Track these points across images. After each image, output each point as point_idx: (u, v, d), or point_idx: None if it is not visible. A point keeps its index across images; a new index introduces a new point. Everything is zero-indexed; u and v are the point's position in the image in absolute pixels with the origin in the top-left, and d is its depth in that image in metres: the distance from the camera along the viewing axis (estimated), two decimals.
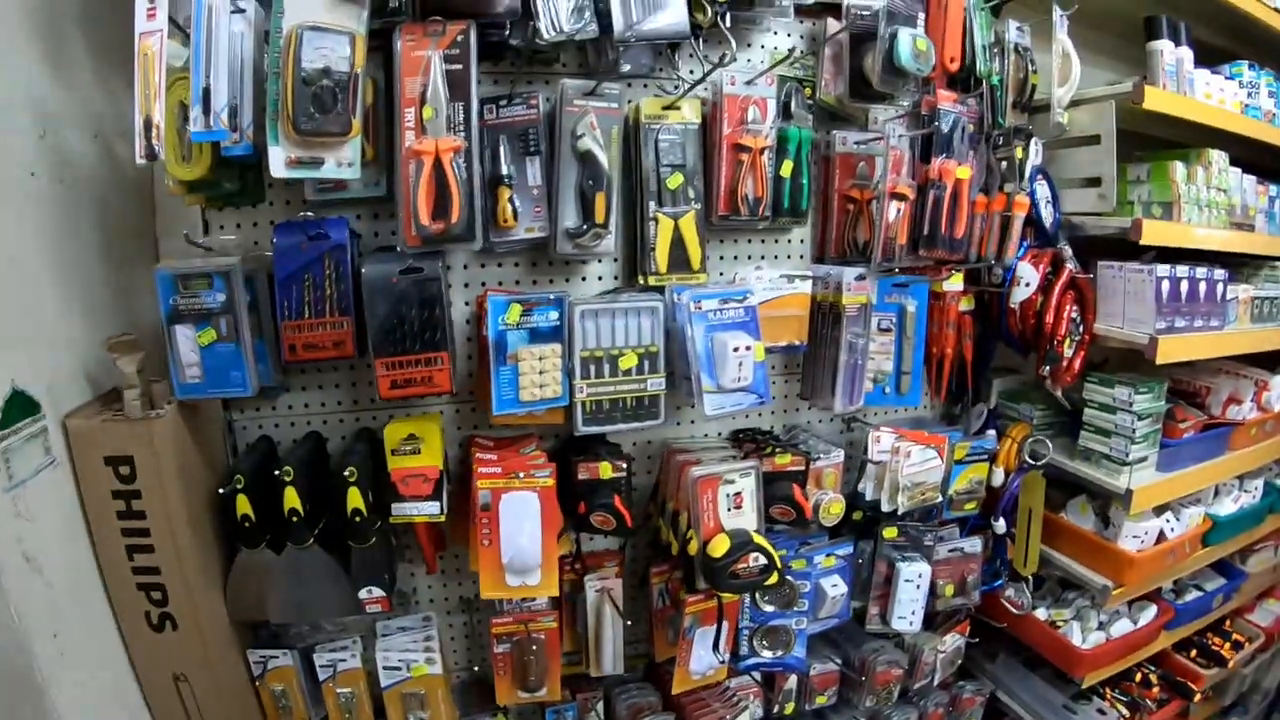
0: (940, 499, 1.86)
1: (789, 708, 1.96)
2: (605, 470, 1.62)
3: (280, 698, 1.68)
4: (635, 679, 1.93)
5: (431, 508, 1.52)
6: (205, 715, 1.62)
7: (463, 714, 1.80)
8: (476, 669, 1.88)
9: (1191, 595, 2.34)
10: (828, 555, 1.85)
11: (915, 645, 2.02)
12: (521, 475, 1.52)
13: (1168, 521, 2.06)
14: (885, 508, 1.80)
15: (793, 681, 1.94)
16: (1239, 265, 2.23)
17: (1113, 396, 1.94)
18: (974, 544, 1.96)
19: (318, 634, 1.71)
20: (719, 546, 1.56)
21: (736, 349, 1.52)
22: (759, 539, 1.59)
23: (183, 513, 1.44)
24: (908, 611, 1.87)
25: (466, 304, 1.64)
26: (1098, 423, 1.98)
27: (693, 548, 1.60)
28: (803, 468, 1.73)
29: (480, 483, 1.51)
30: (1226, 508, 2.26)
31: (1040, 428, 2.09)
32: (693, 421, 1.82)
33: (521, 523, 1.52)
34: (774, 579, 1.61)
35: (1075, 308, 1.91)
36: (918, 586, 1.86)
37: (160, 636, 1.51)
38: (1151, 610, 2.18)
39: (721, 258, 1.77)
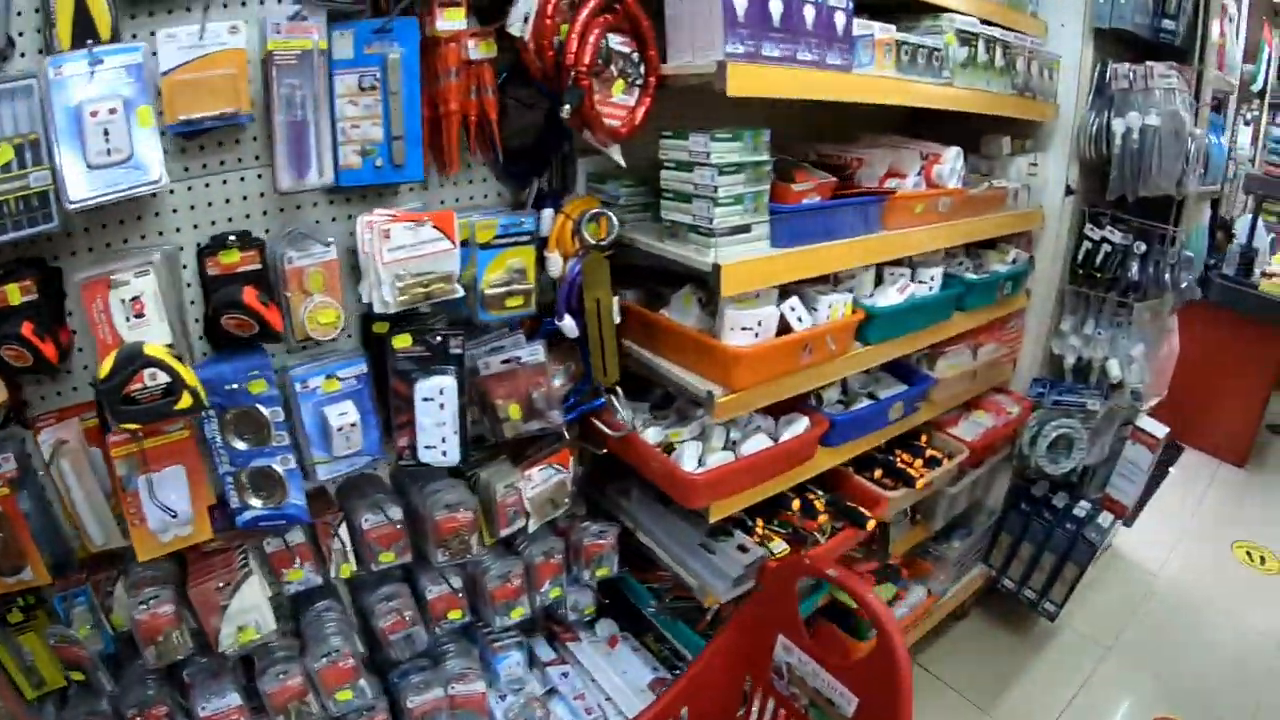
0: (460, 292, 1.49)
1: (345, 570, 1.60)
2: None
3: None
4: None
5: None
6: None
7: None
8: None
9: (863, 404, 2.03)
10: (327, 377, 1.47)
11: (487, 482, 1.66)
12: None
13: (792, 310, 1.72)
14: (376, 308, 1.43)
15: (343, 539, 1.57)
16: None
17: (688, 150, 1.57)
18: (533, 351, 1.61)
19: None
20: (104, 367, 1.21)
21: (96, 114, 1.15)
22: (152, 349, 1.24)
23: None
24: (435, 439, 1.51)
25: None
26: (676, 186, 1.61)
27: (102, 373, 1.23)
28: (256, 265, 1.37)
29: None
30: (890, 299, 1.95)
31: (631, 209, 1.74)
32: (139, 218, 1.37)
33: None
34: (186, 401, 1.26)
35: (628, 40, 1.53)
36: (441, 406, 1.49)
37: None
38: (802, 423, 1.85)
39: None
